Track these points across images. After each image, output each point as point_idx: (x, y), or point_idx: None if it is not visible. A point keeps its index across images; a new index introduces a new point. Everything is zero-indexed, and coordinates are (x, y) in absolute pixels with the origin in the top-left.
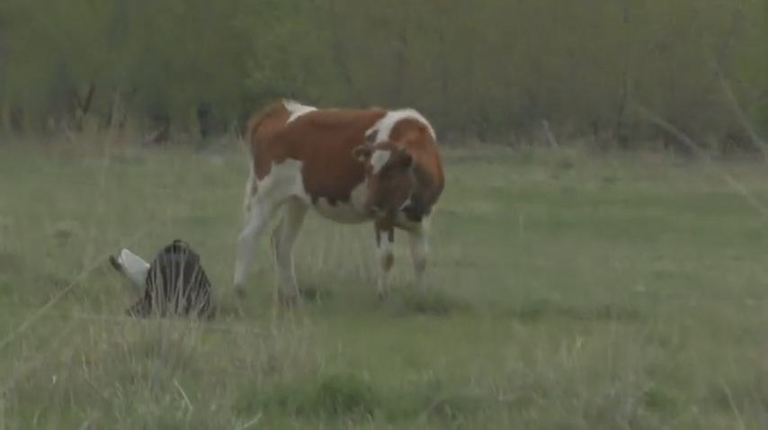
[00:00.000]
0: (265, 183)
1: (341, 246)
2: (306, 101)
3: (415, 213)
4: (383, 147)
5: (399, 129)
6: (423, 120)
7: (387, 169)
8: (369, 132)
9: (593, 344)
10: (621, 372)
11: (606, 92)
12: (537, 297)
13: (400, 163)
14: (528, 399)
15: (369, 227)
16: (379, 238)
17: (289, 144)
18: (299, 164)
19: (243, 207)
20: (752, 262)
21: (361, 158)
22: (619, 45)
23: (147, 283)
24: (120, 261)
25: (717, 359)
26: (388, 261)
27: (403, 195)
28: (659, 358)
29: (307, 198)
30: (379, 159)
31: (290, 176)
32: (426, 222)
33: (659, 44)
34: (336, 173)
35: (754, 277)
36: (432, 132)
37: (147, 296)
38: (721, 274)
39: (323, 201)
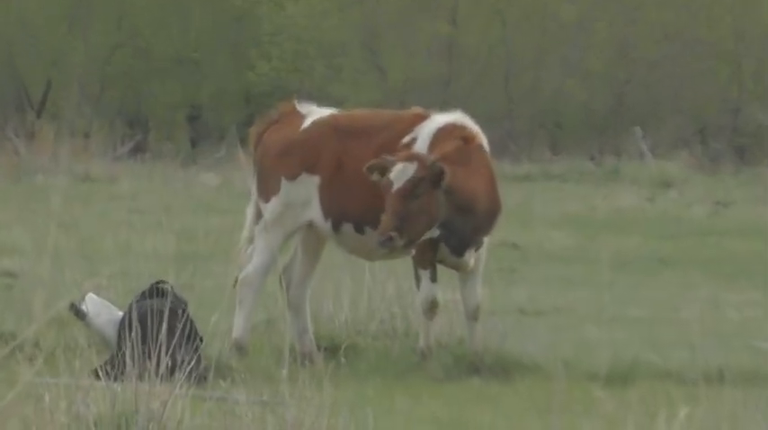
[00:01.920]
0: (273, 206)
1: (372, 288)
2: (326, 101)
3: (458, 247)
4: (408, 158)
5: (442, 136)
6: (473, 126)
7: (411, 186)
8: (405, 140)
9: (700, 416)
10: None
11: (717, 89)
12: (627, 355)
13: (429, 179)
14: None
15: (407, 263)
16: (418, 279)
17: (303, 156)
18: (316, 180)
19: (243, 238)
20: None
21: (376, 177)
22: (732, 27)
23: (119, 337)
24: (84, 308)
25: None
26: (432, 308)
27: (429, 222)
28: None
29: (327, 225)
30: (401, 173)
31: (305, 197)
32: (475, 258)
33: None
34: (365, 192)
35: None
36: (484, 142)
37: (120, 353)
38: None
39: (348, 228)
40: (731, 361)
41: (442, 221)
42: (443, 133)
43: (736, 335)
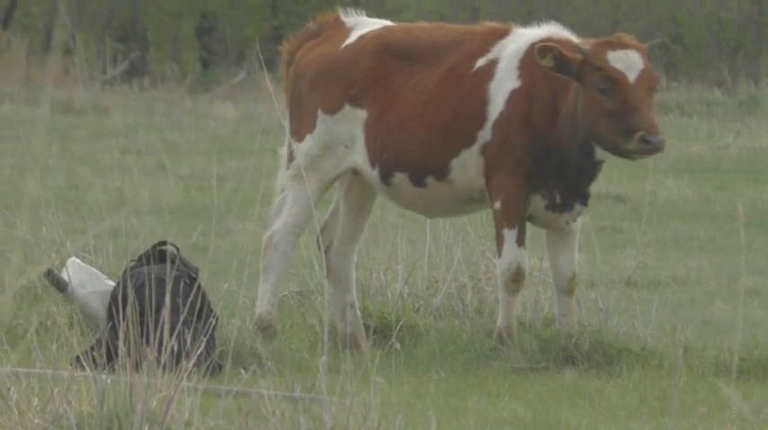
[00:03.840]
0: (308, 147)
1: (434, 253)
2: (379, 12)
3: (575, 196)
4: (625, 44)
5: (530, 56)
6: (576, 39)
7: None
8: (481, 63)
9: None
10: None
11: None
12: (760, 337)
13: None
14: None
15: (481, 222)
16: (501, 241)
17: (347, 82)
18: (362, 115)
19: (277, 187)
20: None
21: (548, 62)
22: None
23: (109, 314)
24: (64, 276)
25: None
26: (517, 279)
27: None
28: None
29: (374, 174)
30: (631, 62)
31: (349, 136)
32: (582, 217)
33: None
34: (427, 132)
35: None
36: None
37: (111, 334)
38: None
39: (401, 178)
40: None
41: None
42: (539, 53)
43: None
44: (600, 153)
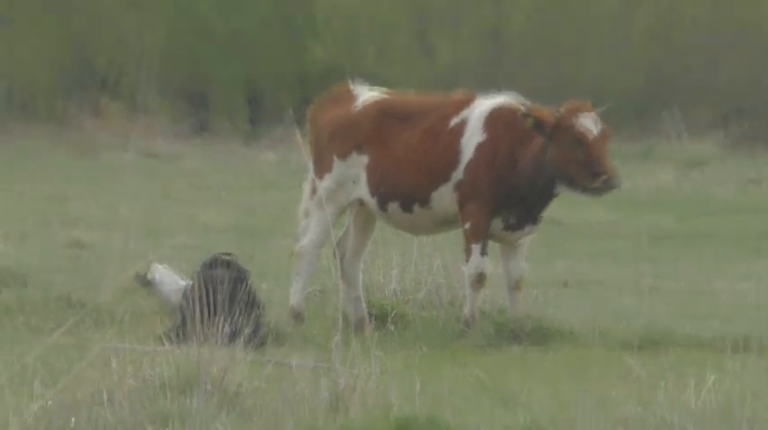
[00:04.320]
0: (327, 183)
1: (419, 261)
2: (377, 82)
3: (527, 219)
4: (587, 109)
5: (497, 117)
6: (523, 103)
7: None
8: (454, 122)
9: (728, 383)
10: (762, 417)
11: (751, 74)
12: (660, 325)
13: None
14: None
15: (450, 238)
16: (469, 251)
17: (354, 135)
18: (364, 160)
19: (300, 212)
20: None
21: (529, 123)
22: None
23: (183, 304)
24: (150, 277)
25: None
26: (480, 280)
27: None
28: None
29: (374, 202)
30: (595, 121)
31: (356, 175)
32: (532, 235)
33: None
34: (412, 172)
35: None
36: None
37: (184, 320)
38: None
39: (394, 206)
40: (758, 331)
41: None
42: (500, 113)
43: (763, 308)
44: (558, 188)
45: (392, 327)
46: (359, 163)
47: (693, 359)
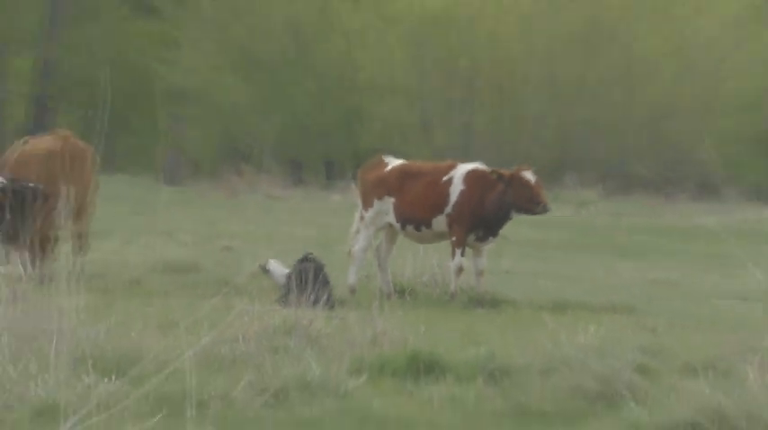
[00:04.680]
0: (370, 213)
1: (423, 259)
2: (399, 155)
3: (490, 235)
4: (528, 168)
5: (471, 175)
6: (486, 168)
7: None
8: (445, 178)
9: (602, 331)
10: (621, 350)
11: (617, 151)
12: (563, 296)
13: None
14: (554, 368)
15: (443, 246)
16: (454, 253)
17: (386, 186)
18: (392, 200)
19: (351, 231)
20: (716, 275)
21: (494, 175)
22: (623, 117)
23: (287, 283)
24: (268, 268)
25: (690, 342)
26: (459, 270)
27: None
28: (649, 341)
29: (397, 225)
30: (533, 175)
31: (386, 209)
32: (492, 244)
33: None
34: (421, 208)
35: (718, 285)
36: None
37: (287, 292)
38: (696, 282)
39: (410, 228)
40: (620, 300)
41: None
42: (472, 173)
43: (623, 286)
44: (512, 214)
45: (408, 297)
46: (389, 202)
47: (582, 316)
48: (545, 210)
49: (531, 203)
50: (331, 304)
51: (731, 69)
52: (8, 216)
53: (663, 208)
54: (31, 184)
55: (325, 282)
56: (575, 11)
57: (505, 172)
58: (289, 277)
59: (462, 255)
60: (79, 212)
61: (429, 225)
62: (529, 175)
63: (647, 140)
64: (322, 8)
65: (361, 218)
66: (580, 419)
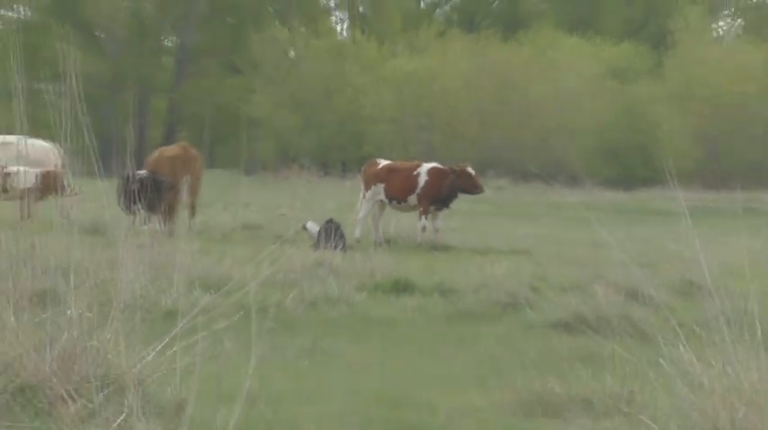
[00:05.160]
0: (368, 194)
1: (401, 221)
2: (387, 159)
3: (444, 206)
4: (468, 164)
5: (432, 170)
6: (441, 166)
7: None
8: (415, 172)
9: (510, 265)
10: (521, 276)
11: (520, 156)
12: (486, 244)
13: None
14: (480, 288)
15: (414, 214)
16: (420, 218)
17: (379, 177)
18: (383, 186)
19: (357, 205)
20: (576, 231)
21: (455, 170)
22: (523, 134)
23: (318, 236)
24: (306, 227)
25: (563, 272)
26: (424, 229)
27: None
28: (538, 271)
29: (386, 201)
30: (472, 169)
31: (379, 191)
32: (445, 211)
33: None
34: (400, 190)
35: (579, 237)
36: (447, 170)
37: (318, 242)
38: (564, 235)
39: (394, 202)
40: (513, 246)
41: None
42: (433, 169)
43: (515, 238)
44: (459, 194)
45: (391, 244)
46: (380, 187)
47: (498, 256)
48: (481, 191)
49: (472, 188)
50: (344, 249)
51: (590, 107)
52: (150, 195)
53: (546, 191)
54: (163, 177)
55: (341, 236)
56: (493, 70)
57: (456, 168)
58: (319, 232)
59: (426, 219)
60: (192, 192)
61: (406, 201)
62: (471, 170)
63: (538, 149)
64: (339, 71)
65: (363, 196)
66: (496, 319)
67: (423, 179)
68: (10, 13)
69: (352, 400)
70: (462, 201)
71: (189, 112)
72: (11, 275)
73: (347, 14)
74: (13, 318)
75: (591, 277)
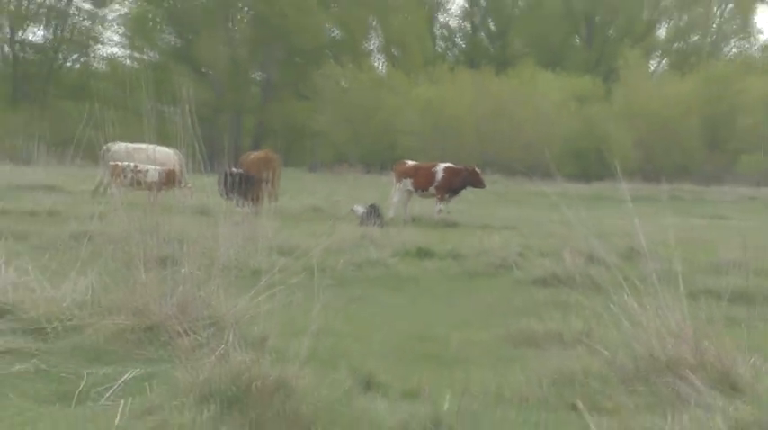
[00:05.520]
0: (399, 186)
1: (423, 205)
2: (413, 159)
3: (455, 195)
4: (477, 166)
5: (447, 169)
6: (454, 165)
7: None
8: (434, 169)
9: (503, 236)
10: (510, 245)
11: (508, 158)
12: (485, 221)
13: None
14: (481, 254)
15: (432, 200)
16: (438, 203)
17: (407, 173)
18: (410, 180)
19: (392, 193)
20: (550, 212)
21: (469, 168)
22: (511, 146)
23: (362, 216)
24: (354, 209)
25: (540, 242)
26: (440, 211)
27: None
28: (523, 241)
29: (413, 190)
30: (480, 169)
31: (407, 184)
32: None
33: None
34: (423, 183)
35: (551, 217)
36: (458, 168)
37: (362, 220)
38: (542, 216)
39: (419, 191)
40: (510, 222)
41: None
42: (448, 168)
43: (513, 217)
44: (467, 187)
45: (415, 222)
46: (408, 181)
47: (494, 230)
48: (484, 186)
49: (478, 183)
50: (382, 226)
51: (559, 123)
52: (242, 187)
53: (528, 184)
54: (251, 173)
55: (379, 216)
56: (489, 97)
57: (469, 167)
58: (363, 214)
59: (441, 204)
60: (272, 184)
61: (427, 190)
62: (478, 170)
63: (523, 154)
64: (378, 97)
65: (395, 187)
66: (492, 276)
67: (439, 175)
68: (144, 56)
69: (389, 335)
70: (468, 192)
71: (270, 127)
72: (142, 244)
73: (384, 55)
74: (143, 275)
75: (561, 246)
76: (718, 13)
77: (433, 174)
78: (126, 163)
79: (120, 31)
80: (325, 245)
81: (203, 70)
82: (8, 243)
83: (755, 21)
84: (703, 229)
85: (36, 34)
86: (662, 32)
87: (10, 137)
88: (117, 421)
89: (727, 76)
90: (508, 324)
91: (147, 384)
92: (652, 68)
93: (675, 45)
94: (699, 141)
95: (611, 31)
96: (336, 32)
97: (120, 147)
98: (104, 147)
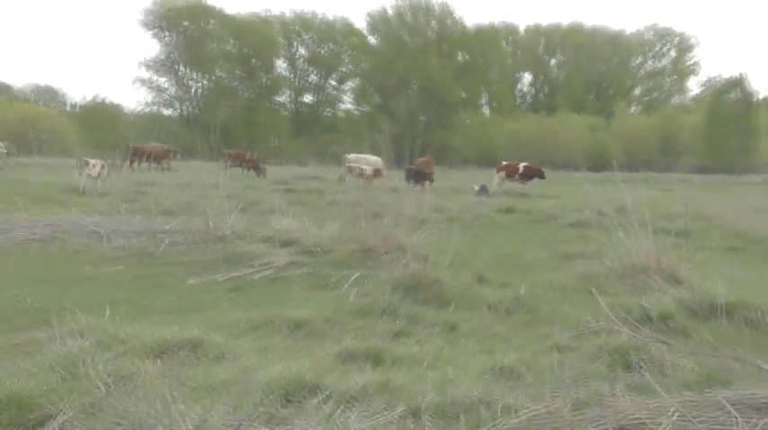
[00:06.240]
0: (498, 175)
1: (510, 186)
2: (505, 160)
3: (530, 180)
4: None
5: (525, 166)
6: (530, 164)
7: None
8: (517, 166)
9: (551, 202)
10: (553, 208)
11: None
12: (541, 193)
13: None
14: (540, 210)
15: (516, 184)
16: (520, 184)
17: (502, 168)
18: (504, 172)
19: (494, 179)
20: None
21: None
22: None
23: (477, 191)
24: (474, 187)
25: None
26: (521, 188)
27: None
28: (560, 203)
29: (505, 177)
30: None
31: (502, 175)
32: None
33: None
34: (512, 173)
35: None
36: (532, 166)
37: (477, 193)
38: (571, 191)
39: (507, 180)
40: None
41: None
42: (526, 166)
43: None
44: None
45: (505, 194)
46: (503, 172)
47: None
48: (544, 177)
49: (542, 175)
50: (488, 196)
51: (581, 142)
52: (416, 176)
53: (564, 174)
54: (420, 169)
55: (486, 191)
56: (538, 129)
57: (536, 166)
58: (478, 190)
59: (522, 185)
60: (431, 175)
61: (513, 178)
62: (542, 169)
63: (561, 158)
64: (486, 131)
65: (496, 176)
66: (546, 222)
67: (521, 169)
68: (363, 109)
69: (492, 255)
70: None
71: (428, 144)
72: (363, 207)
73: (488, 106)
74: (364, 223)
75: (584, 205)
76: (668, 80)
77: (517, 169)
78: (355, 164)
79: (351, 96)
80: (459, 206)
81: (394, 115)
82: (295, 206)
83: (688, 84)
84: (660, 197)
85: (307, 98)
86: (637, 91)
87: (295, 154)
88: (350, 298)
89: (672, 115)
90: (555, 248)
91: (365, 280)
92: (631, 111)
93: (645, 98)
94: (656, 149)
95: (610, 91)
96: (463, 94)
97: (351, 155)
98: (344, 156)
